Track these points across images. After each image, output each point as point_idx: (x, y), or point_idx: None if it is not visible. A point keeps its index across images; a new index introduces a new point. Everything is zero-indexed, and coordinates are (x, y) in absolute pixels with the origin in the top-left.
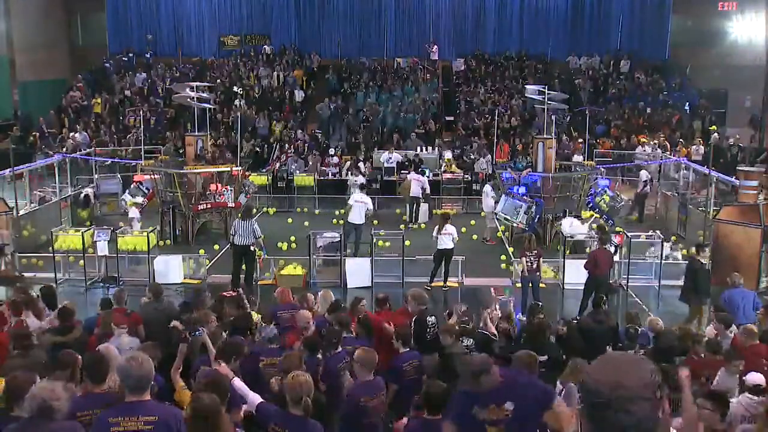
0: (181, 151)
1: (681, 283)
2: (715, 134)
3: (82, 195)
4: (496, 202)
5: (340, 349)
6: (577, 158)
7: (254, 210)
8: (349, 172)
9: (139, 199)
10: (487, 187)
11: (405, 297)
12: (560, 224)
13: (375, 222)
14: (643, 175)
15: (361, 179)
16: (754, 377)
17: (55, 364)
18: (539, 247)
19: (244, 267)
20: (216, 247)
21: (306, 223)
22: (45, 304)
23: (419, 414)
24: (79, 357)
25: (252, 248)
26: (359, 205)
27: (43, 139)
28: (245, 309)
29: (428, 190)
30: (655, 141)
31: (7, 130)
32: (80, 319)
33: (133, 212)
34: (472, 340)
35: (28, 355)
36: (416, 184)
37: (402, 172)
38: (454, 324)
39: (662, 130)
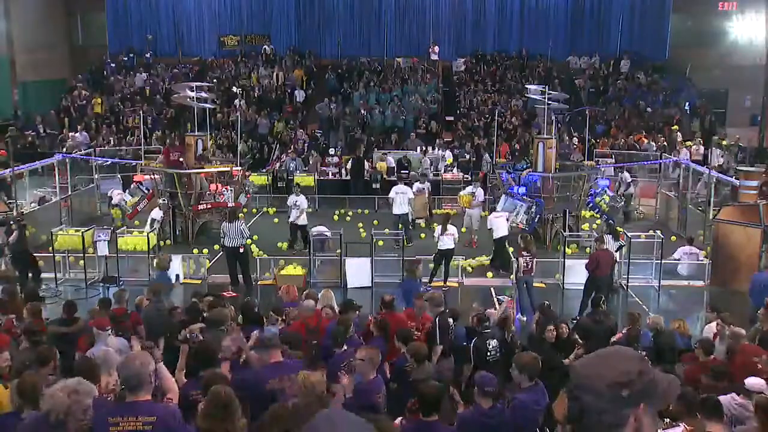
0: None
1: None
2: (678, 134)
3: (113, 197)
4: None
5: (344, 348)
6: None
7: (239, 211)
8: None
9: (161, 200)
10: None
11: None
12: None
13: (375, 222)
14: (626, 176)
15: (302, 201)
16: (753, 381)
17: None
18: (534, 247)
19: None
20: (216, 247)
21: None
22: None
23: (415, 416)
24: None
25: (242, 250)
26: (401, 196)
27: (41, 139)
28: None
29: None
30: (658, 141)
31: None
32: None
33: (156, 213)
34: (495, 341)
35: (37, 350)
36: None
37: (402, 171)
38: (420, 345)
39: (662, 130)
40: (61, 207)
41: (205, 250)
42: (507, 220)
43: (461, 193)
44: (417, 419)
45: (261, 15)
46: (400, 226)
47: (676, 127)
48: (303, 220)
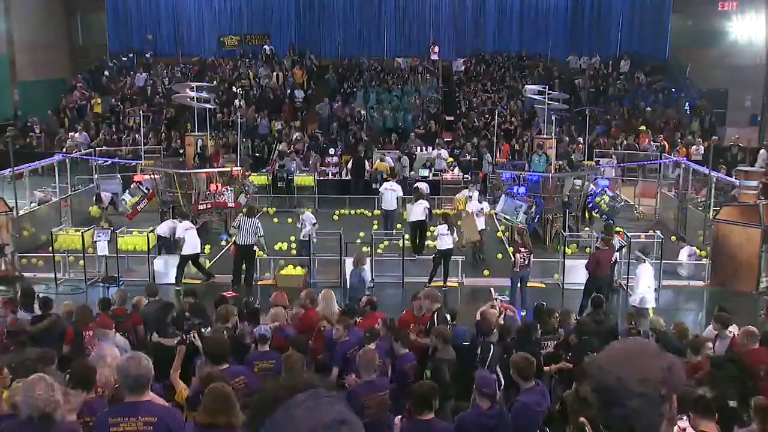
0: (181, 151)
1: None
2: (649, 132)
3: (100, 195)
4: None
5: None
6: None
7: (256, 209)
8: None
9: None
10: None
11: (414, 298)
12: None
13: (375, 222)
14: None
15: (185, 225)
16: None
17: None
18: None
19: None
20: (226, 242)
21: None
22: (21, 304)
23: (412, 415)
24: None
25: (254, 248)
26: (390, 192)
27: (40, 139)
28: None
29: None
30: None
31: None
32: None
33: (163, 227)
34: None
35: (23, 352)
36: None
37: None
38: (446, 328)
39: (662, 130)
40: (61, 207)
41: (207, 249)
42: (424, 208)
43: (457, 196)
44: (414, 418)
45: (261, 15)
46: (399, 226)
47: (643, 127)
48: (190, 249)
